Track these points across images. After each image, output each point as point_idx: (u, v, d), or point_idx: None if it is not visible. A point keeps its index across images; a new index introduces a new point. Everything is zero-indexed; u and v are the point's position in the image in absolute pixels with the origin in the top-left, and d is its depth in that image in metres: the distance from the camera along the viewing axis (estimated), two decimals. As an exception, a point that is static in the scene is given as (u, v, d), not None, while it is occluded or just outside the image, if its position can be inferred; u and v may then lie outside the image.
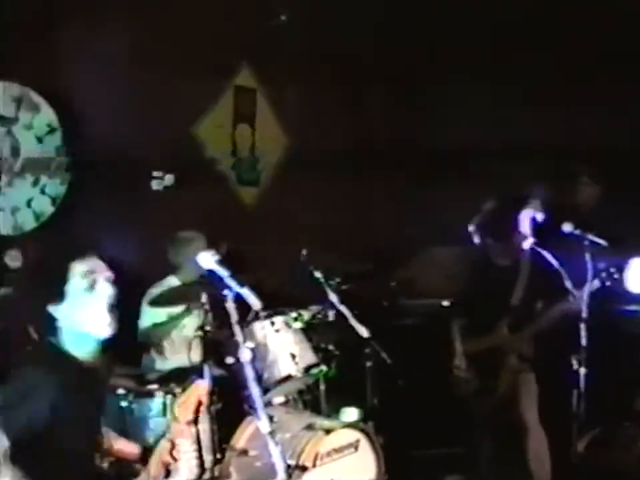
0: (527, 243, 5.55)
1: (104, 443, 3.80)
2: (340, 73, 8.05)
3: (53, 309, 3.36)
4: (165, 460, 3.73)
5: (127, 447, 4.11)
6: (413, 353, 6.46)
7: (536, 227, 5.67)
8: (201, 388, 3.85)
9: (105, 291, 3.42)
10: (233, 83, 7.65)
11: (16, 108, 6.10)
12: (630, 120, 7.67)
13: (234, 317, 3.31)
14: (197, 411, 3.77)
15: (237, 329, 3.44)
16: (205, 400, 3.88)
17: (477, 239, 5.87)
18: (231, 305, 3.28)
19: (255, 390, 3.43)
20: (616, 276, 5.33)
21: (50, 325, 3.41)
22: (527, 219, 5.63)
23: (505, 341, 5.66)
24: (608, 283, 5.29)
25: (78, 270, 3.38)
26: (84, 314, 3.38)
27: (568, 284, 5.30)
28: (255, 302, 3.38)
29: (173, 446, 3.72)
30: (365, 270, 6.80)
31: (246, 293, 3.35)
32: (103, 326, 3.41)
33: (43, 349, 3.50)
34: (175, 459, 3.72)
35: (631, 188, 7.32)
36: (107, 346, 3.50)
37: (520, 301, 5.69)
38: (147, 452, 4.01)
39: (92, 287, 3.40)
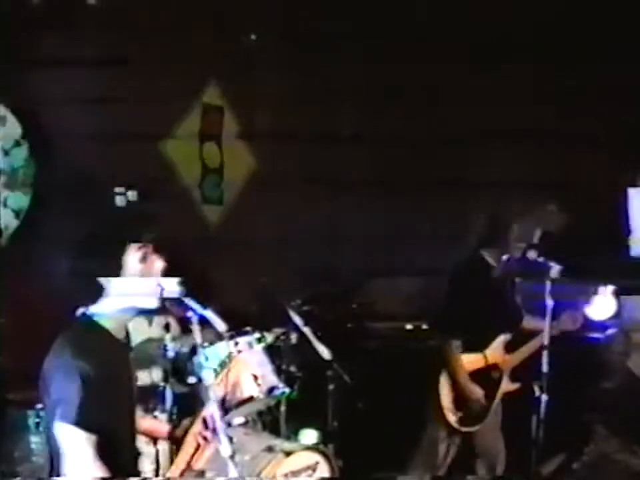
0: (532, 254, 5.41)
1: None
2: (309, 93, 8.07)
3: (104, 281, 3.39)
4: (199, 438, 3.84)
5: (156, 426, 4.22)
6: (375, 376, 6.46)
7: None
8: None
9: (157, 264, 3.52)
10: (200, 101, 7.65)
11: (-18, 120, 6.07)
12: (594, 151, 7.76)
13: (198, 338, 3.28)
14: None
15: (200, 350, 3.42)
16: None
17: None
18: (195, 327, 3.25)
19: (216, 412, 3.39)
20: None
21: (90, 296, 3.45)
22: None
23: (502, 361, 5.60)
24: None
25: (133, 247, 3.46)
26: (137, 287, 3.45)
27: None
28: (219, 324, 3.35)
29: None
30: (325, 292, 6.82)
31: (210, 315, 3.33)
32: (152, 298, 3.46)
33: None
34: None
35: (595, 217, 7.42)
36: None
37: (515, 316, 5.66)
38: (174, 429, 4.09)
39: (144, 258, 3.48)
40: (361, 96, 8.47)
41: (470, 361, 5.55)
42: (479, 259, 5.61)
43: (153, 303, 3.49)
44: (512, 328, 5.62)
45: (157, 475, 4.72)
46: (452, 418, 5.57)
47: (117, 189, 6.84)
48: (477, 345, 5.56)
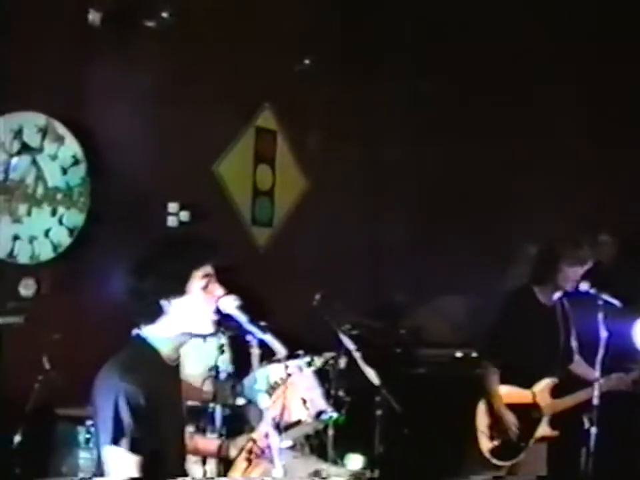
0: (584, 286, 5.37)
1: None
2: (360, 117, 8.12)
3: (165, 304, 3.41)
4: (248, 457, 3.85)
5: (208, 444, 4.23)
6: (422, 402, 6.44)
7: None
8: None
9: (218, 292, 3.53)
10: (254, 124, 7.73)
11: (41, 138, 6.14)
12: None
13: (256, 363, 3.31)
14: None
15: (256, 373, 3.46)
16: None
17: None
18: (255, 351, 3.28)
19: (272, 434, 3.41)
20: None
21: (148, 317, 3.48)
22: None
23: (545, 403, 5.51)
24: None
25: (198, 274, 3.49)
26: (196, 313, 3.48)
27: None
28: (279, 348, 3.38)
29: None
30: (375, 323, 6.81)
31: (269, 339, 3.36)
32: (208, 324, 3.51)
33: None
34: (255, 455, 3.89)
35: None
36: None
37: (565, 359, 5.55)
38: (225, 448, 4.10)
39: (207, 286, 3.50)
40: (410, 120, 8.53)
41: (514, 394, 5.51)
42: (529, 293, 5.56)
43: (209, 329, 3.53)
44: (560, 370, 5.56)
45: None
46: (485, 446, 5.55)
47: (170, 209, 6.91)
48: (520, 379, 5.51)
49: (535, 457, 5.62)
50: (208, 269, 3.51)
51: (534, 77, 8.05)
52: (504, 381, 5.50)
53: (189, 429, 4.40)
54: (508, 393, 5.51)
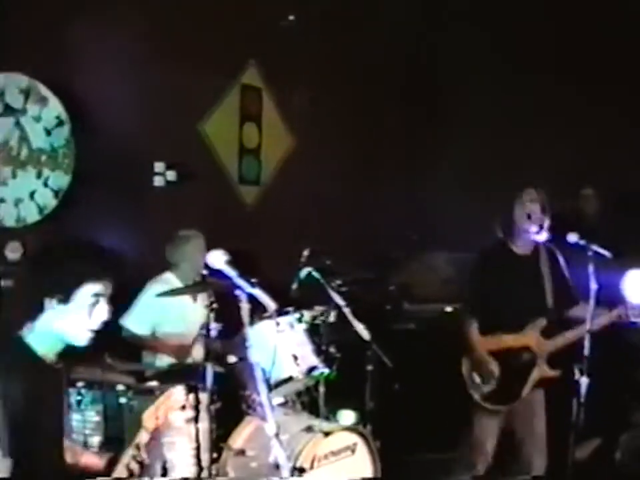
0: (541, 237, 5.43)
1: (70, 456, 3.75)
2: (347, 73, 8.07)
3: (48, 303, 3.35)
4: (130, 467, 3.73)
5: (92, 460, 3.97)
6: (413, 357, 6.46)
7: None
8: (172, 398, 3.87)
9: (103, 314, 3.40)
10: (239, 82, 7.67)
11: (24, 99, 6.09)
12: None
13: (246, 318, 3.30)
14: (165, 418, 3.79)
15: (247, 330, 3.44)
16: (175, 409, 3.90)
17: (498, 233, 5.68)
18: (244, 306, 3.26)
19: (263, 391, 3.41)
20: None
21: (29, 316, 3.37)
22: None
23: (538, 345, 5.50)
24: None
25: (91, 289, 3.36)
26: (74, 323, 3.38)
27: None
28: (269, 303, 3.38)
29: (139, 451, 3.71)
30: (365, 274, 6.80)
31: (258, 293, 3.34)
32: (84, 337, 3.40)
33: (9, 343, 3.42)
34: (141, 464, 3.72)
35: (630, 201, 7.36)
36: (72, 350, 3.51)
37: (552, 301, 5.55)
38: (113, 462, 3.86)
39: (93, 305, 3.38)
40: (402, 77, 8.50)
41: (502, 340, 5.50)
42: (503, 246, 5.59)
43: (83, 342, 3.42)
44: (553, 313, 5.54)
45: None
46: (477, 393, 5.54)
47: (156, 169, 6.87)
48: (507, 326, 5.49)
49: (535, 402, 5.60)
50: (98, 287, 3.38)
51: (521, 35, 8.02)
52: (493, 329, 5.49)
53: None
54: (496, 339, 5.51)
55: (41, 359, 3.40)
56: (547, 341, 5.49)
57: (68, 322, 3.36)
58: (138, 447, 3.71)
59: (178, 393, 4.05)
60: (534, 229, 5.42)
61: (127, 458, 3.72)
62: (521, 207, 5.45)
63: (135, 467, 3.69)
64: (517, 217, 5.45)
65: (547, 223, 5.44)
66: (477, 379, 5.53)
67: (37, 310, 3.33)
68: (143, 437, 3.60)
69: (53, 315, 3.34)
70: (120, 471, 3.76)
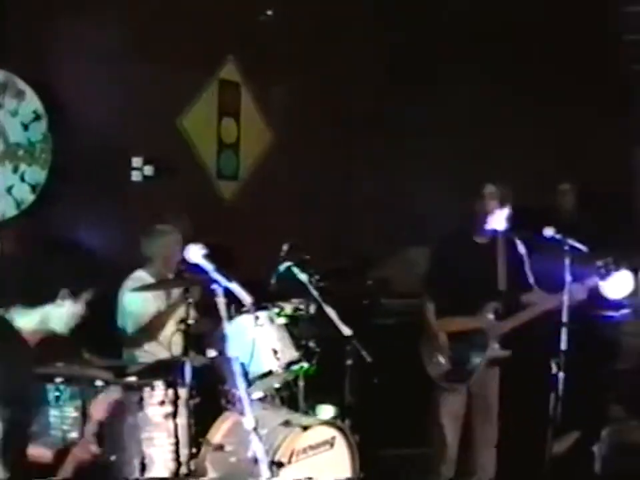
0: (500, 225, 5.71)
1: None
2: (325, 68, 8.07)
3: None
4: (80, 458, 3.76)
5: (39, 452, 4.02)
6: (392, 352, 6.47)
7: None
8: (112, 395, 3.94)
9: (79, 310, 3.56)
10: (218, 76, 7.65)
11: (1, 94, 6.06)
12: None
13: (223, 311, 3.30)
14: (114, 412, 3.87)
15: (225, 324, 3.44)
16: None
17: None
18: (221, 300, 3.26)
19: (242, 385, 3.41)
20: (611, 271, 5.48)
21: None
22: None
23: (490, 326, 5.76)
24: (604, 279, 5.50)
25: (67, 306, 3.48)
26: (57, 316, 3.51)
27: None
28: (245, 297, 3.38)
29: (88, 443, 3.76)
30: (343, 267, 6.82)
31: (235, 287, 3.34)
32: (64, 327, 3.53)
33: None
34: (93, 455, 3.76)
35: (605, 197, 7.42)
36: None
37: (505, 286, 5.81)
38: (60, 455, 3.95)
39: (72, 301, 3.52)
40: (376, 71, 8.50)
41: (459, 322, 5.81)
42: (465, 234, 5.92)
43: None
44: (507, 298, 5.79)
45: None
46: (434, 372, 5.85)
47: (134, 164, 6.85)
48: (464, 309, 5.79)
49: (489, 381, 5.88)
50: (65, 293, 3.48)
51: (499, 32, 8.06)
52: (449, 311, 5.82)
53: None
54: (451, 321, 5.83)
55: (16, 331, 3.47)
56: (499, 322, 5.74)
57: (52, 316, 3.47)
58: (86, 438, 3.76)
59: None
60: (492, 219, 5.73)
61: (77, 448, 3.76)
62: (480, 201, 5.77)
63: (84, 456, 3.73)
64: (477, 209, 5.77)
65: (504, 215, 5.72)
66: (433, 359, 5.85)
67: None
68: (89, 427, 3.63)
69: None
70: (70, 460, 3.79)
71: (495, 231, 5.80)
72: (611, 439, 4.59)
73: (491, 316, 5.78)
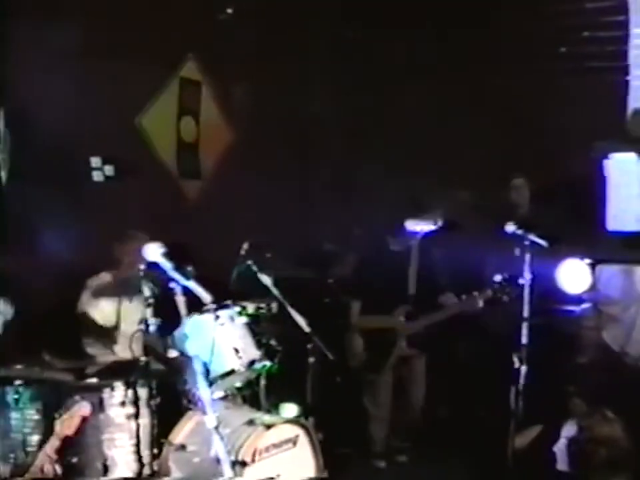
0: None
1: None
2: (286, 67, 8.06)
3: None
4: (45, 470, 3.75)
5: None
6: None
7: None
8: (82, 411, 3.92)
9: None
10: (178, 75, 7.61)
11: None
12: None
13: (182, 310, 3.28)
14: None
15: (184, 322, 3.42)
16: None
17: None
18: (180, 299, 3.25)
19: (202, 384, 3.39)
20: (508, 291, 5.79)
21: None
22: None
23: (399, 327, 6.30)
24: (504, 298, 5.85)
25: None
26: None
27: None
28: (204, 295, 3.36)
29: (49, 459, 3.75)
30: (304, 267, 6.84)
31: (194, 286, 3.32)
32: None
33: None
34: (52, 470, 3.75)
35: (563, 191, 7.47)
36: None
37: (415, 290, 6.37)
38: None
39: None
40: (334, 70, 8.51)
41: (375, 320, 6.36)
42: (382, 242, 6.49)
43: None
44: (419, 300, 6.31)
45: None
46: (352, 363, 6.40)
47: (94, 164, 6.79)
48: (380, 309, 6.32)
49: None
50: None
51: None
52: (370, 310, 6.38)
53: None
54: (368, 320, 6.39)
55: None
56: (408, 323, 6.28)
57: None
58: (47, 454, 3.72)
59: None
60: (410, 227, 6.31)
61: (39, 461, 3.73)
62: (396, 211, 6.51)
63: (49, 468, 3.70)
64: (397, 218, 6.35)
65: (422, 224, 6.28)
66: (352, 350, 6.38)
67: None
68: (53, 443, 3.59)
69: None
70: (33, 472, 3.76)
71: (411, 239, 6.34)
72: (572, 433, 4.63)
73: (401, 317, 6.31)
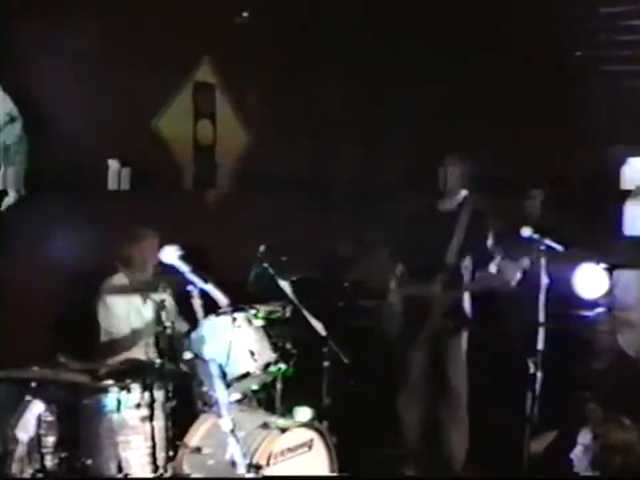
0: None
1: None
2: (301, 71, 8.07)
3: None
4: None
5: None
6: (368, 354, 6.48)
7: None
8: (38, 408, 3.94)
9: None
10: (193, 78, 7.62)
11: (-26, 97, 6.03)
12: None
13: (199, 312, 3.28)
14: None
15: (201, 325, 3.43)
16: None
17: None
18: (197, 301, 3.25)
19: (219, 387, 3.40)
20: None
21: None
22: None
23: (436, 297, 6.05)
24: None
25: None
26: None
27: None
28: (221, 298, 3.38)
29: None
30: (320, 271, 6.85)
31: (211, 289, 3.33)
32: None
33: None
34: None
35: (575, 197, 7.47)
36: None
37: (455, 258, 6.06)
38: None
39: None
40: (349, 72, 8.52)
41: (406, 287, 6.22)
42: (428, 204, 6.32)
43: None
44: (448, 270, 6.06)
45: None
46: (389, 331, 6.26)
47: (110, 167, 6.82)
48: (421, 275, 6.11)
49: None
50: None
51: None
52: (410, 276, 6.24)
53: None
54: (406, 287, 6.22)
55: None
56: (444, 294, 6.04)
57: None
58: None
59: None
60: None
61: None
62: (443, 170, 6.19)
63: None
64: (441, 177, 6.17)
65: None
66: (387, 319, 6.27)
67: None
68: (19, 449, 3.60)
69: None
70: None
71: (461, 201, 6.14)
72: (589, 439, 4.61)
73: (438, 286, 6.04)
